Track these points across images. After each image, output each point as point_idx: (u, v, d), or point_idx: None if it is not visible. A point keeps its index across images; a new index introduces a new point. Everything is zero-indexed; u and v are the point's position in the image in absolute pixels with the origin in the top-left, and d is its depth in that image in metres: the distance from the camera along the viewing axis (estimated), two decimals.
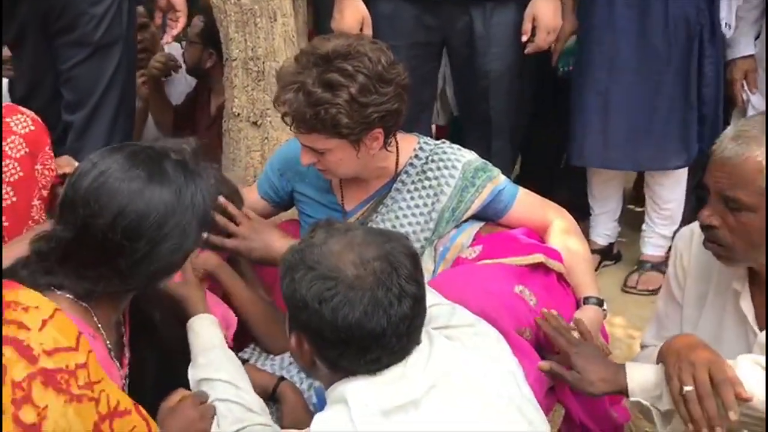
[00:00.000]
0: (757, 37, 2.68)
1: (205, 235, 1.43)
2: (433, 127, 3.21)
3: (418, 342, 1.28)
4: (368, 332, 1.20)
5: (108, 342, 1.38)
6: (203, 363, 1.52)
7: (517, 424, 1.27)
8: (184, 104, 3.36)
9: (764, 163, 1.39)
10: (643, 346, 1.83)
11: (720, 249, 1.50)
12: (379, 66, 1.71)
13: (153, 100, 3.32)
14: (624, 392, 1.49)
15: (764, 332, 1.52)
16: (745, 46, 2.68)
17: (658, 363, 1.49)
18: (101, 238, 1.26)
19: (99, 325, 1.35)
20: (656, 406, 1.46)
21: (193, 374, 1.52)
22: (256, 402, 1.50)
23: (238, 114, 2.46)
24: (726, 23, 2.62)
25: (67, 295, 1.31)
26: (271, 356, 1.80)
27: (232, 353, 1.57)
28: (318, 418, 1.26)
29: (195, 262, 1.73)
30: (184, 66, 3.40)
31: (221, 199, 1.78)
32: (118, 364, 1.42)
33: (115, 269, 1.28)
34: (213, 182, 1.40)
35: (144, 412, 1.35)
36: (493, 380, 1.29)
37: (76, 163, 1.75)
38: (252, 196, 2.06)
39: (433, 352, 1.28)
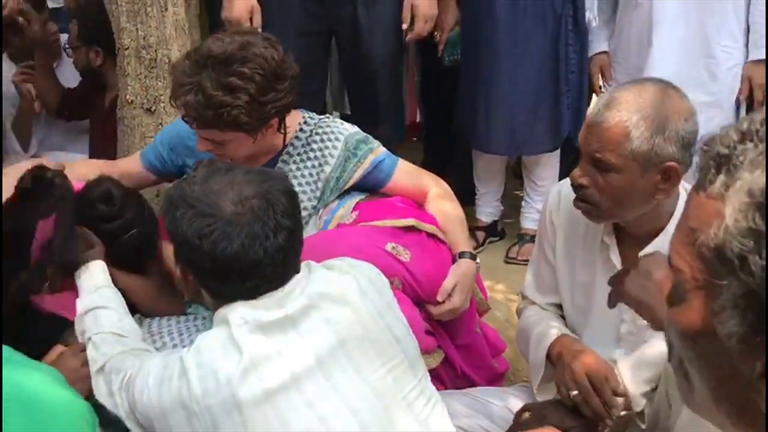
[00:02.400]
0: (610, 36, 2.95)
1: None
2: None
3: (296, 271, 1.39)
4: (246, 263, 1.30)
5: None
6: (91, 297, 1.63)
7: (387, 340, 1.39)
8: (76, 89, 3.34)
9: (630, 127, 1.50)
10: (523, 297, 1.96)
11: (589, 207, 1.61)
12: (273, 63, 1.80)
13: (40, 79, 3.27)
14: None
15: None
16: (599, 43, 2.94)
17: (548, 359, 1.69)
18: None
19: None
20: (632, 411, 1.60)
21: (81, 304, 1.62)
22: (135, 331, 1.61)
23: (132, 101, 2.50)
24: (590, 14, 2.87)
25: None
26: (164, 319, 1.88)
27: (118, 292, 1.69)
28: (203, 334, 1.37)
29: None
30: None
31: None
32: None
33: None
34: None
35: None
36: (367, 302, 1.40)
37: None
38: (132, 165, 2.11)
39: (311, 278, 1.39)
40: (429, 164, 2.82)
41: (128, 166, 2.10)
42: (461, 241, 1.99)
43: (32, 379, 1.01)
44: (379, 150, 2.04)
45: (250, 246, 1.30)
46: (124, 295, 1.80)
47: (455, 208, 2.06)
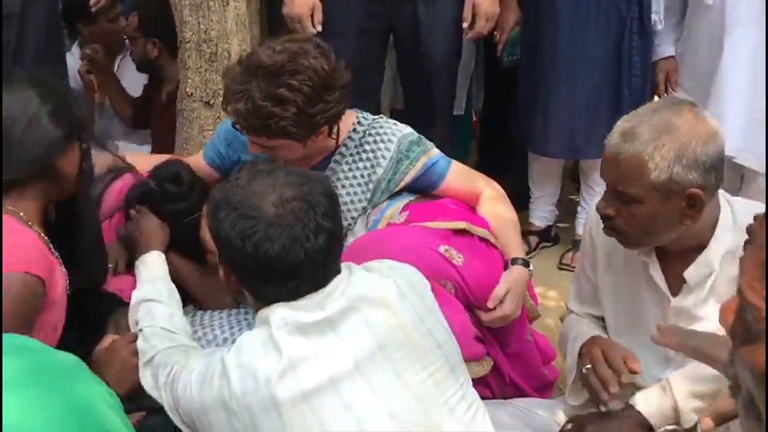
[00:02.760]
0: (677, 40, 2.86)
1: None
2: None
3: (336, 272, 1.39)
4: (287, 264, 1.31)
5: (42, 235, 1.52)
6: (149, 288, 1.68)
7: (428, 345, 1.37)
8: (141, 96, 3.42)
9: (647, 158, 1.47)
10: (568, 309, 1.96)
11: (618, 236, 1.60)
12: (323, 74, 1.80)
13: (111, 95, 3.37)
14: (650, 430, 1.58)
15: (676, 297, 1.63)
16: (665, 47, 2.85)
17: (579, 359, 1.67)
18: None
19: (30, 222, 1.50)
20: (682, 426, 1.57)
21: (136, 294, 1.67)
22: (185, 327, 1.64)
23: (192, 94, 2.54)
24: (657, 16, 2.79)
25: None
26: (216, 312, 1.90)
27: (173, 286, 1.73)
28: (244, 335, 1.38)
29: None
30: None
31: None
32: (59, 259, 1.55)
33: None
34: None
35: None
36: (407, 305, 1.39)
37: None
38: (198, 162, 2.14)
39: (351, 280, 1.39)
40: (483, 165, 2.78)
41: (195, 162, 2.14)
42: (514, 246, 1.95)
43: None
44: (432, 152, 2.02)
45: (291, 247, 1.31)
46: (180, 283, 1.83)
47: (508, 211, 2.02)
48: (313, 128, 1.85)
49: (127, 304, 1.71)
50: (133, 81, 3.43)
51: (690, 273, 1.60)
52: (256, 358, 1.31)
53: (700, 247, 1.59)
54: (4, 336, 0.99)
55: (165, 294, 1.68)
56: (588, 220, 1.82)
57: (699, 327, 1.60)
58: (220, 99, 2.50)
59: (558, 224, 3.24)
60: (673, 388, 1.57)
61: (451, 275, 1.81)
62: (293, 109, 1.78)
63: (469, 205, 2.03)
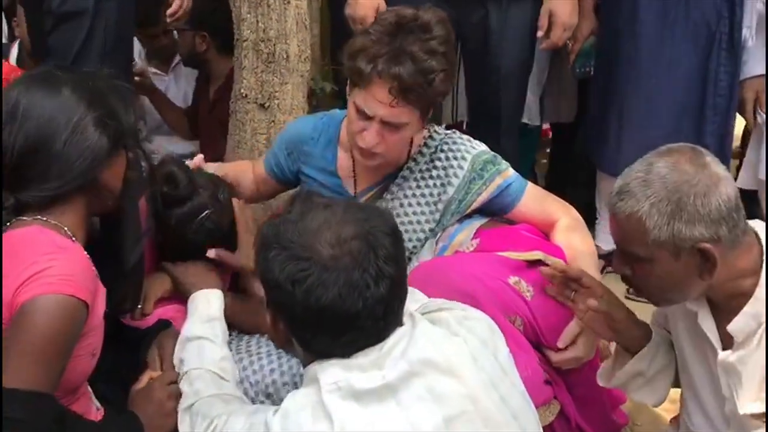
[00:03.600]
0: None
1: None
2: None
3: (398, 324, 1.23)
4: (342, 315, 1.16)
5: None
6: (204, 327, 1.55)
7: (503, 417, 1.22)
8: (191, 105, 3.33)
9: (644, 217, 1.38)
10: None
11: (641, 294, 1.52)
12: (450, 36, 1.73)
13: (162, 112, 3.29)
14: None
15: (723, 352, 1.48)
16: (756, 65, 2.63)
17: None
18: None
19: (73, 238, 1.38)
20: None
21: (189, 330, 1.54)
22: (233, 374, 1.51)
23: (246, 95, 2.44)
24: (748, 31, 2.58)
25: (37, 216, 1.35)
26: (264, 338, 1.76)
27: (226, 329, 1.59)
28: (291, 395, 1.23)
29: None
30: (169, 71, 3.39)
31: None
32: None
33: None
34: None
35: None
36: (479, 371, 1.23)
37: None
38: (259, 170, 2.03)
39: (414, 336, 1.22)
40: (547, 181, 2.61)
41: (257, 168, 2.03)
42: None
43: None
44: (508, 172, 1.87)
45: (348, 295, 1.16)
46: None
47: (586, 242, 1.87)
48: (441, 96, 1.76)
49: (170, 325, 1.59)
50: (183, 89, 3.36)
51: (734, 326, 1.45)
52: (304, 425, 1.16)
53: (745, 293, 1.45)
54: None
55: (220, 336, 1.55)
56: None
57: (748, 389, 1.46)
58: (276, 102, 2.42)
59: None
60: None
61: (520, 310, 1.68)
62: (444, 61, 1.69)
63: (542, 231, 1.88)
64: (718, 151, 2.67)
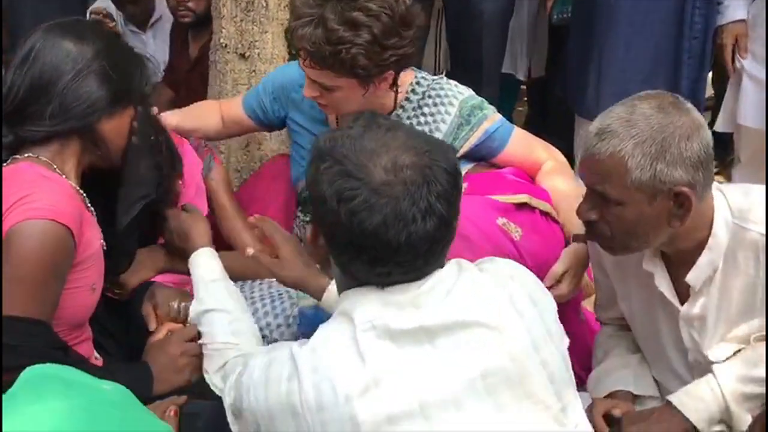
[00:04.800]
0: (751, 1, 2.66)
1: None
2: None
3: (439, 266, 1.18)
4: (383, 244, 1.11)
5: (77, 188, 1.44)
6: (203, 296, 1.51)
7: (540, 379, 1.17)
8: (168, 64, 3.26)
9: (626, 157, 1.37)
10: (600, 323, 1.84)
11: (602, 242, 1.50)
12: (402, 7, 1.67)
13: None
14: None
15: (685, 305, 1.53)
16: (737, 10, 2.66)
17: None
18: None
19: (63, 174, 1.42)
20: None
21: (194, 307, 1.51)
22: (248, 329, 1.49)
23: (226, 45, 2.41)
24: None
25: (29, 155, 1.39)
26: (257, 283, 1.79)
27: (231, 284, 1.56)
28: (321, 329, 1.19)
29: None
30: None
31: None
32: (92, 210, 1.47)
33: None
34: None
35: None
36: (522, 329, 1.17)
37: None
38: (234, 111, 2.01)
39: (460, 282, 1.17)
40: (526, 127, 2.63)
41: (231, 108, 2.01)
42: (576, 221, 1.82)
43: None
44: (495, 117, 1.89)
45: (392, 225, 1.10)
46: None
47: (570, 184, 1.90)
48: (381, 66, 1.69)
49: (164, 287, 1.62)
50: (161, 46, 3.28)
51: (691, 277, 1.49)
52: (335, 365, 1.13)
53: (700, 246, 1.49)
54: (51, 367, 0.95)
55: (223, 297, 1.50)
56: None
57: (712, 336, 1.53)
58: (257, 51, 2.40)
59: None
60: (724, 391, 1.48)
61: (508, 251, 1.72)
62: (367, 36, 1.64)
63: (528, 175, 1.92)
64: (692, 97, 2.72)
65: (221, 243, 1.89)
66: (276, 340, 1.71)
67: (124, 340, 1.66)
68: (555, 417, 1.17)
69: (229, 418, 1.27)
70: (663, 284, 1.53)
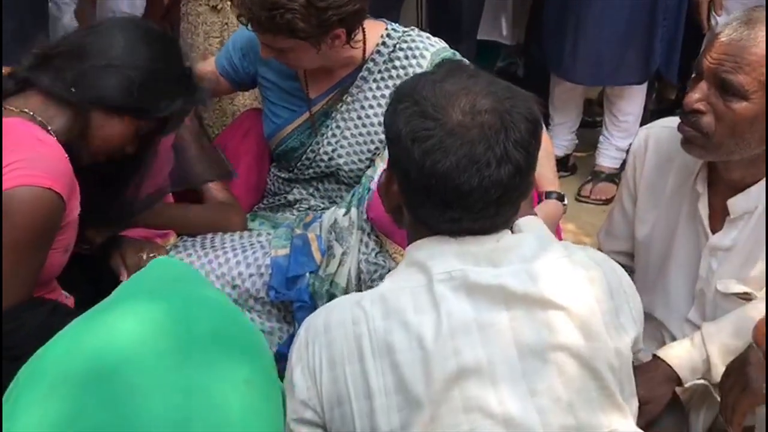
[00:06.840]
0: None
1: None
2: None
3: (513, 218, 1.16)
4: (454, 187, 1.08)
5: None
6: None
7: (601, 364, 1.12)
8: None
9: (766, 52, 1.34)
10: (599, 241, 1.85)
11: (698, 136, 1.45)
12: None
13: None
14: (678, 383, 1.48)
15: (716, 234, 1.55)
16: None
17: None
18: None
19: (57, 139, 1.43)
20: (710, 382, 1.47)
21: None
22: None
23: None
24: None
25: (24, 110, 1.42)
26: (227, 235, 1.79)
27: None
28: (389, 279, 1.15)
29: None
30: None
31: None
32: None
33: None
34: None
35: None
36: (596, 316, 1.13)
37: None
38: (208, 70, 1.98)
39: (545, 252, 1.13)
40: None
41: (206, 70, 1.97)
42: (548, 178, 1.83)
43: None
44: None
45: (465, 168, 1.07)
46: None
47: (544, 140, 1.88)
48: (323, 27, 1.67)
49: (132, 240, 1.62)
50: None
51: (736, 202, 1.51)
52: (408, 309, 1.08)
53: (751, 180, 1.50)
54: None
55: None
56: (636, 146, 1.70)
57: (731, 269, 1.54)
58: (228, 3, 2.34)
59: (575, 153, 3.11)
60: (706, 342, 1.50)
61: None
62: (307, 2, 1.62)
63: None
64: (667, 56, 2.75)
65: (192, 195, 1.88)
66: (248, 290, 1.70)
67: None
68: (618, 406, 1.14)
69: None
70: (702, 208, 1.54)
